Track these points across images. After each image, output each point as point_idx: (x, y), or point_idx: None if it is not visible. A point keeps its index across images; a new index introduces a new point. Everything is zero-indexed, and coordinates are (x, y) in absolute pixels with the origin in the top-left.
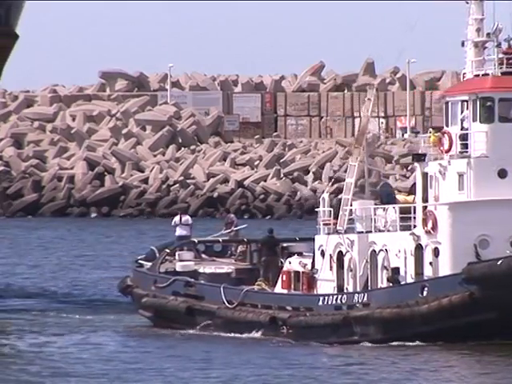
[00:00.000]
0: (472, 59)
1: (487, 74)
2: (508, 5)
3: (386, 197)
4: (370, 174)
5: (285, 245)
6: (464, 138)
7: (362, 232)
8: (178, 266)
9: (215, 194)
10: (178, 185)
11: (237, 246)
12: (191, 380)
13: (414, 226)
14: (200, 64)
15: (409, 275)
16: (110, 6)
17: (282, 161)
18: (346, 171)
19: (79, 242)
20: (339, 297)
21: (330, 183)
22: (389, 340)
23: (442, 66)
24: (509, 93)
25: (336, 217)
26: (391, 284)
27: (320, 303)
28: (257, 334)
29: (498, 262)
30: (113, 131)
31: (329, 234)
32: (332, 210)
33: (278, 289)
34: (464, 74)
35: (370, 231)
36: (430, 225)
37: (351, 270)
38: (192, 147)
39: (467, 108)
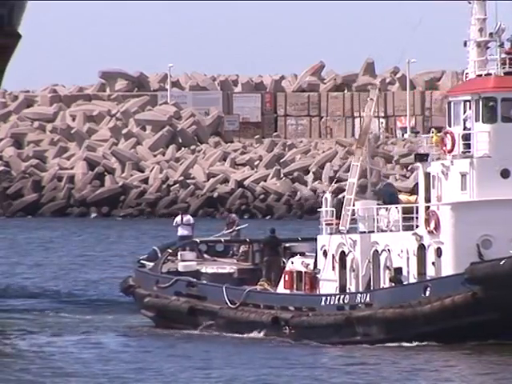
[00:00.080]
0: (474, 59)
1: (490, 74)
2: (510, 4)
3: (388, 197)
4: (371, 174)
5: (287, 245)
6: (467, 138)
7: (365, 232)
8: (180, 266)
9: (215, 194)
10: (178, 185)
11: (239, 246)
12: (191, 380)
13: (417, 226)
14: (200, 64)
15: (411, 275)
16: (110, 5)
17: (281, 161)
18: (346, 171)
19: (79, 242)
20: (342, 297)
21: (333, 183)
22: (391, 340)
23: (442, 65)
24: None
25: (337, 217)
26: (394, 284)
27: (322, 303)
28: (259, 335)
29: (501, 262)
30: (113, 131)
31: (331, 233)
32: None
33: (281, 289)
34: (466, 73)
35: (373, 231)
36: (432, 225)
37: (354, 270)
38: (192, 147)
39: (470, 108)
